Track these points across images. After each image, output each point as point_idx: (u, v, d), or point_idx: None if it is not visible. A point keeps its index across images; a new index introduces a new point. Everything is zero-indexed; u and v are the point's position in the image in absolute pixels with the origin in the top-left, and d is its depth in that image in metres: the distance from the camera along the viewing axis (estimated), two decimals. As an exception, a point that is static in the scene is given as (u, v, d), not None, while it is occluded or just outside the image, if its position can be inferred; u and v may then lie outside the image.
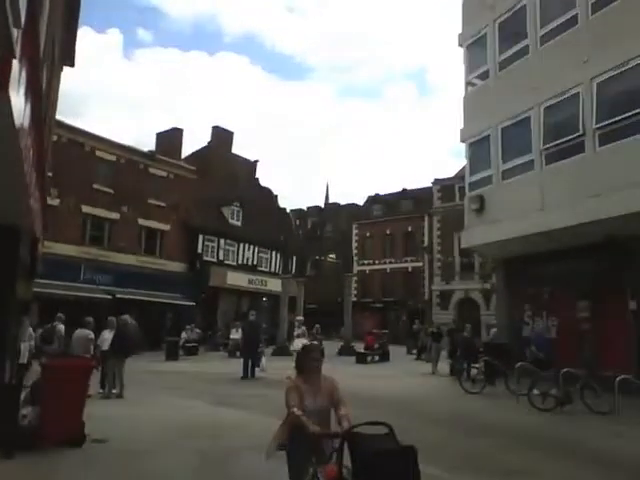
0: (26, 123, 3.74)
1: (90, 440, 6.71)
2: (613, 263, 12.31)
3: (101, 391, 11.02)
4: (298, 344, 15.29)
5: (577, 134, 12.16)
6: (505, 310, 16.36)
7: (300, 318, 17.99)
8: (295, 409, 3.60)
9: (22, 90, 3.36)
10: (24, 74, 3.33)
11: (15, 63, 2.77)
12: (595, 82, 11.78)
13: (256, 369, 14.62)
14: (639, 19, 10.99)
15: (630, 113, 10.98)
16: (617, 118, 11.26)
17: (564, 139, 12.55)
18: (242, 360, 14.87)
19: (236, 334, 22.10)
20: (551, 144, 12.96)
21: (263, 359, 14.95)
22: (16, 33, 2.22)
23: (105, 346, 11.55)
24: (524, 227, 13.12)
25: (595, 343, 12.96)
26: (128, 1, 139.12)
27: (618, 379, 10.17)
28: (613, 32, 11.51)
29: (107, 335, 11.82)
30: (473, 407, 10.99)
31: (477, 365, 13.52)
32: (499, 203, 14.38)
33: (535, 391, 10.65)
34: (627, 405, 9.97)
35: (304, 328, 16.52)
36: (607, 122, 11.49)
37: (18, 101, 3.17)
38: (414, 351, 26.03)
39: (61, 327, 13.16)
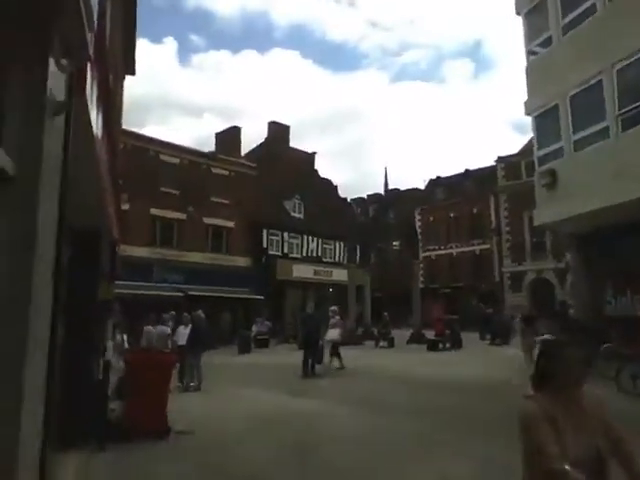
0: (99, 129, 3.87)
1: (175, 432, 6.96)
2: None
3: (179, 384, 11.45)
4: (332, 334, 14.29)
5: (657, 94, 11.27)
6: (584, 289, 15.51)
7: (334, 308, 15.82)
8: (559, 464, 1.95)
9: (94, 97, 3.46)
10: (95, 81, 3.42)
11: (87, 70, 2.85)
12: (676, 36, 10.85)
13: (317, 366, 13.29)
14: None
15: None
16: None
17: (643, 101, 11.66)
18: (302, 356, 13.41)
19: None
20: (628, 108, 12.08)
21: (326, 355, 13.60)
22: (89, 37, 2.27)
23: (182, 341, 11.99)
24: (601, 199, 12.31)
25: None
26: (178, 8, 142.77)
27: None
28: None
29: (183, 331, 12.29)
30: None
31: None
32: (572, 176, 13.59)
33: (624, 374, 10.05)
34: None
35: (339, 317, 14.99)
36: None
37: (92, 108, 3.27)
38: (488, 336, 25.32)
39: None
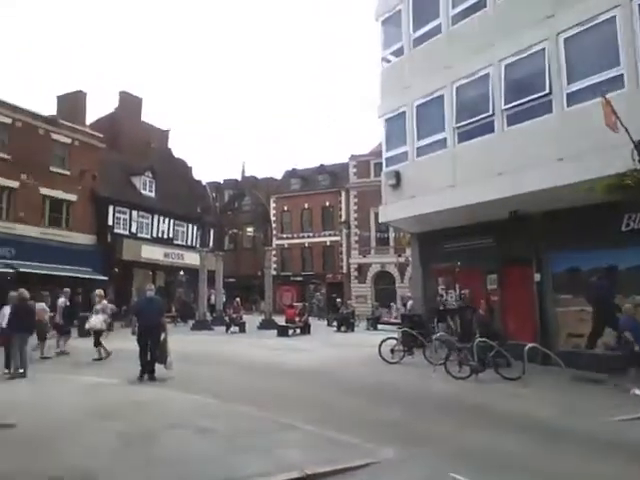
0: None
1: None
2: (518, 238, 13.02)
3: (6, 371, 10.32)
4: (96, 321, 12.79)
5: (487, 114, 12.71)
6: (420, 283, 16.97)
7: (100, 291, 14.02)
8: None
9: None
10: None
11: None
12: (503, 64, 12.34)
13: (158, 365, 10.30)
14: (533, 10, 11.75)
15: (530, 97, 11.73)
16: (521, 101, 11.94)
17: (475, 118, 13.05)
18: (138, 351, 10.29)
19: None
20: (463, 123, 13.46)
21: (169, 355, 10.36)
22: None
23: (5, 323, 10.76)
24: (437, 203, 13.59)
25: (504, 314, 13.76)
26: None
27: (527, 347, 10.66)
28: (516, 17, 12.12)
29: (7, 311, 11.03)
30: (393, 377, 11.30)
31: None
32: (414, 179, 14.78)
33: (451, 360, 11.14)
34: (533, 371, 10.63)
35: (105, 302, 13.27)
36: (514, 104, 12.11)
37: None
38: (334, 323, 26.69)
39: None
